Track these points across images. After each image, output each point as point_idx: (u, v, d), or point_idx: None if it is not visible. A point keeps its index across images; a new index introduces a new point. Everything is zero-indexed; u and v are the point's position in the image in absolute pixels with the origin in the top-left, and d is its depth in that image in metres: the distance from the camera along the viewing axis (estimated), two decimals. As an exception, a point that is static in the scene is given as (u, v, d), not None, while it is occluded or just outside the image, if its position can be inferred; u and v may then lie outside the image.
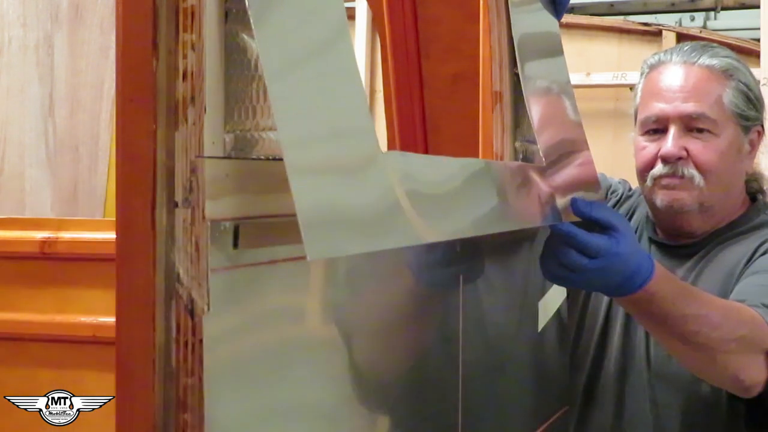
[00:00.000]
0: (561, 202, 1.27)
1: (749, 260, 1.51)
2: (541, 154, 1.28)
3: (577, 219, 1.27)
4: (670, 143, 1.50)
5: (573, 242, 1.21)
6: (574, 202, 1.26)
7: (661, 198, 1.53)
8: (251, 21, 0.60)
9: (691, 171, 1.50)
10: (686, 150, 1.49)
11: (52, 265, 1.89)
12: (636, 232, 1.61)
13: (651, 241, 1.62)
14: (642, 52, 3.76)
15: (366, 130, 0.69)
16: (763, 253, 1.50)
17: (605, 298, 1.63)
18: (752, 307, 1.35)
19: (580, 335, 1.67)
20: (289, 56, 0.63)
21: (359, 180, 0.67)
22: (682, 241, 1.59)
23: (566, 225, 1.22)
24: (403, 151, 0.87)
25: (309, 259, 0.57)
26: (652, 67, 1.57)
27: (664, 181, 1.51)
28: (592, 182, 1.41)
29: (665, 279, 1.28)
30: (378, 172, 0.69)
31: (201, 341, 0.67)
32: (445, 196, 0.91)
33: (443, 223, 0.87)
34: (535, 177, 1.22)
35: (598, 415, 1.62)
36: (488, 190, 1.06)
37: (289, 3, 0.66)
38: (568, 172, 1.34)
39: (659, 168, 1.51)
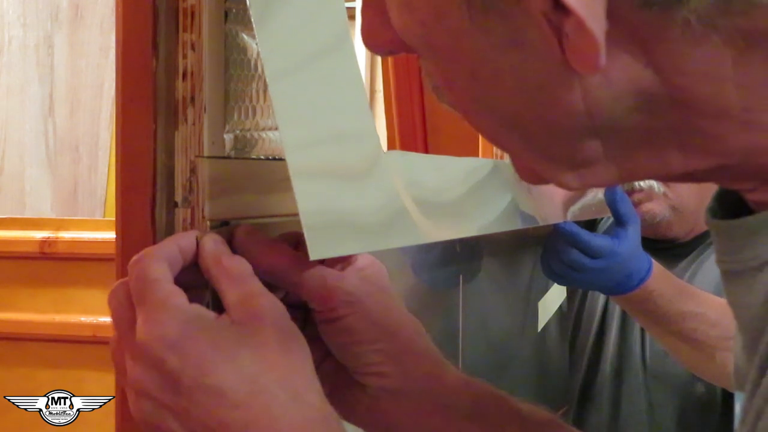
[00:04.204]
0: (564, 200, 1.28)
1: None
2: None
3: (575, 218, 1.27)
4: None
5: (575, 241, 1.22)
6: (609, 187, 1.29)
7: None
8: (253, 23, 0.60)
9: (647, 182, 1.52)
10: None
11: (52, 265, 1.89)
12: None
13: (644, 240, 1.63)
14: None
15: (368, 133, 0.69)
16: None
17: (601, 299, 1.63)
18: None
19: (576, 335, 1.68)
20: (291, 59, 0.63)
21: (362, 183, 0.67)
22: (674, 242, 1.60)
23: (569, 224, 1.23)
24: (406, 151, 0.87)
25: (311, 259, 0.57)
26: None
27: (631, 198, 1.52)
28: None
29: (662, 277, 1.29)
30: (381, 174, 0.69)
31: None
32: (450, 198, 0.91)
33: (448, 224, 0.87)
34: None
35: (594, 415, 1.62)
36: (494, 191, 1.06)
37: (291, 5, 0.66)
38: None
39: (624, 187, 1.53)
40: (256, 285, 0.57)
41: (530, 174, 0.49)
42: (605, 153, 0.45)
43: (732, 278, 0.48)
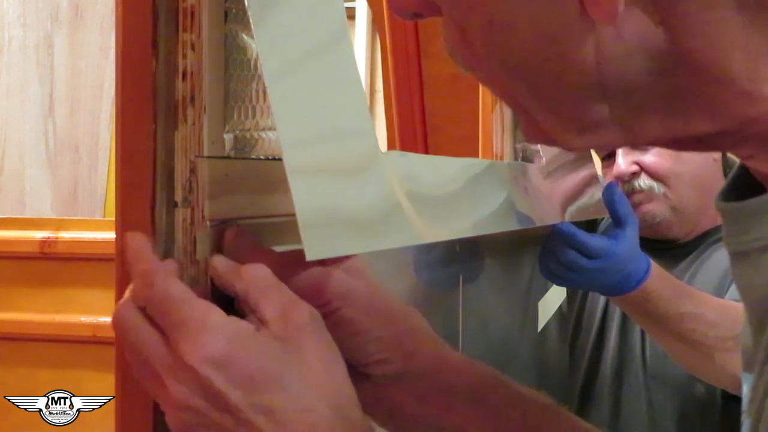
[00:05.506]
0: (561, 200, 1.28)
1: None
2: (540, 153, 1.28)
3: (572, 219, 1.27)
4: (618, 163, 1.53)
5: (573, 242, 1.22)
6: (607, 188, 1.30)
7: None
8: (251, 21, 0.60)
9: (647, 182, 1.52)
10: (638, 164, 1.52)
11: (52, 265, 1.89)
12: None
13: (644, 241, 1.63)
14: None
15: (366, 131, 0.69)
16: None
17: (602, 299, 1.63)
18: None
19: (577, 336, 1.68)
20: (289, 56, 0.63)
21: (359, 181, 0.67)
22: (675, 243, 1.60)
23: (566, 225, 1.23)
24: (404, 151, 0.87)
25: (308, 259, 0.57)
26: None
27: (631, 199, 1.52)
28: (592, 179, 1.42)
29: (661, 278, 1.29)
30: (378, 172, 0.69)
31: (201, 341, 0.67)
32: (446, 196, 0.91)
33: (444, 223, 0.87)
34: (536, 176, 1.23)
35: (594, 416, 1.62)
36: (490, 190, 1.06)
37: (289, 3, 0.66)
38: (568, 171, 1.35)
39: (623, 188, 1.53)
40: (289, 294, 0.57)
41: (537, 132, 0.49)
42: (612, 116, 0.46)
43: (739, 259, 0.48)
